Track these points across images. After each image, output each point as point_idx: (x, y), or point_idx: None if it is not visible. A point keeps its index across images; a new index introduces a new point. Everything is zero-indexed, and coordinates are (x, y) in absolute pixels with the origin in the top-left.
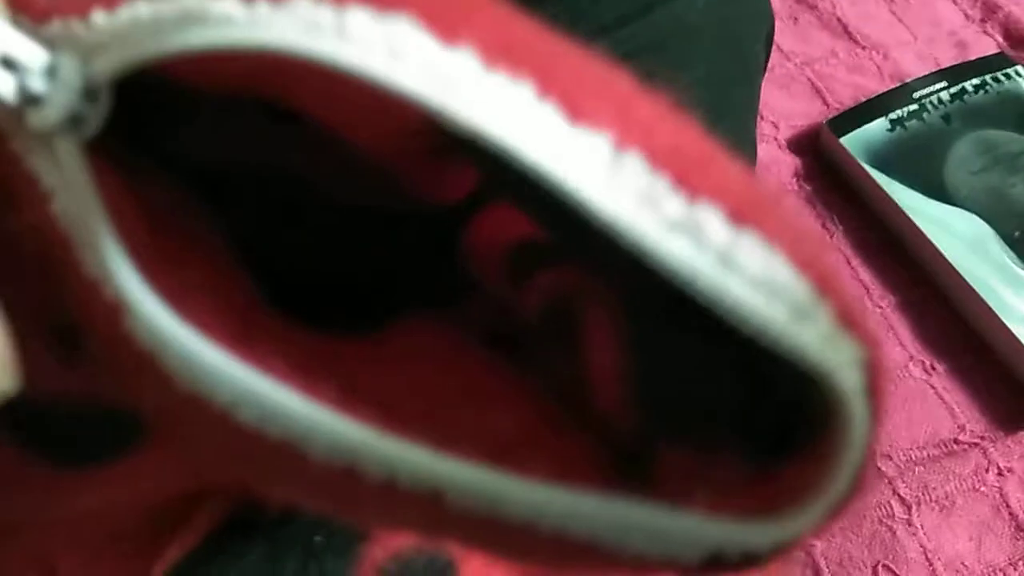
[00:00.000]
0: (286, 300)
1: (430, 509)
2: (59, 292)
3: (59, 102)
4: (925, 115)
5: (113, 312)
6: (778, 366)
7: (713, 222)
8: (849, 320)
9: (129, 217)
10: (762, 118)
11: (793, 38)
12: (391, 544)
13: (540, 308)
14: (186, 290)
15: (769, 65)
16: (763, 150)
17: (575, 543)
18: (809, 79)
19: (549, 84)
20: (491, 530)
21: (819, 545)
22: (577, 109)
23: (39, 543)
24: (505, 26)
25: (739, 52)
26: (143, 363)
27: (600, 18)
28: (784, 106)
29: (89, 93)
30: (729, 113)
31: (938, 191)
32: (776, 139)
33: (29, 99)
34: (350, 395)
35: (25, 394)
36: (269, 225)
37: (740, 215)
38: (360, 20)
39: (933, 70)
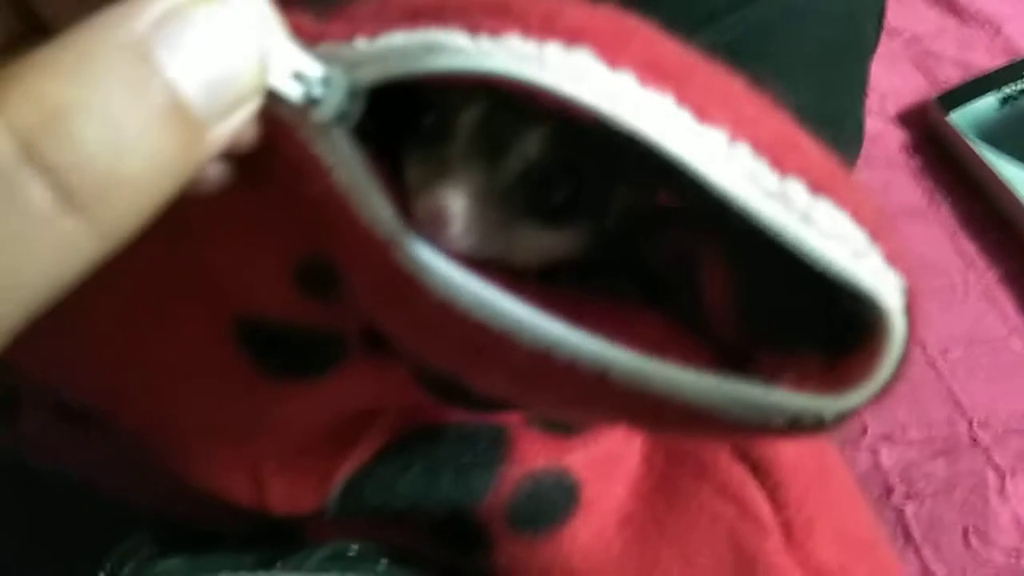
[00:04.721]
0: None
1: (598, 384)
2: (317, 242)
3: (332, 103)
4: None
5: (384, 248)
6: (842, 291)
7: (798, 191)
8: (895, 259)
9: (383, 177)
10: (871, 92)
11: (901, 14)
12: (526, 465)
13: (667, 257)
14: None
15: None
16: (871, 124)
17: (697, 412)
18: (917, 56)
19: (684, 94)
20: (638, 402)
21: (910, 508)
22: (703, 112)
23: (246, 448)
24: (653, 49)
25: (850, 30)
26: (406, 283)
27: (711, 3)
28: (892, 83)
29: (351, 96)
30: (838, 89)
31: None
32: (884, 113)
33: (311, 101)
34: (545, 305)
35: (269, 319)
36: None
37: (818, 186)
38: (554, 53)
39: None
